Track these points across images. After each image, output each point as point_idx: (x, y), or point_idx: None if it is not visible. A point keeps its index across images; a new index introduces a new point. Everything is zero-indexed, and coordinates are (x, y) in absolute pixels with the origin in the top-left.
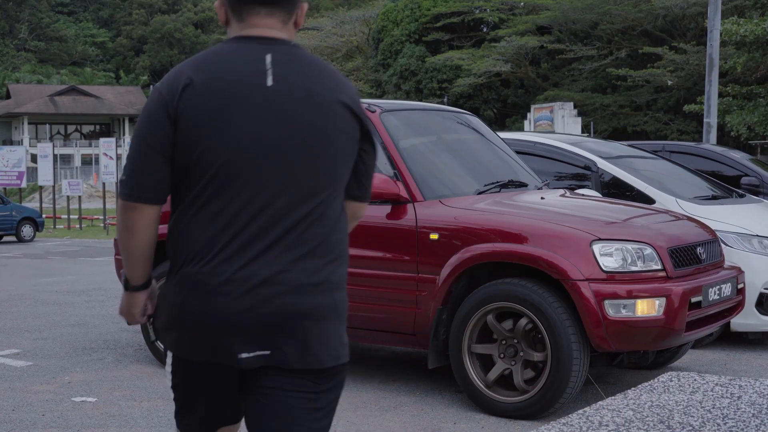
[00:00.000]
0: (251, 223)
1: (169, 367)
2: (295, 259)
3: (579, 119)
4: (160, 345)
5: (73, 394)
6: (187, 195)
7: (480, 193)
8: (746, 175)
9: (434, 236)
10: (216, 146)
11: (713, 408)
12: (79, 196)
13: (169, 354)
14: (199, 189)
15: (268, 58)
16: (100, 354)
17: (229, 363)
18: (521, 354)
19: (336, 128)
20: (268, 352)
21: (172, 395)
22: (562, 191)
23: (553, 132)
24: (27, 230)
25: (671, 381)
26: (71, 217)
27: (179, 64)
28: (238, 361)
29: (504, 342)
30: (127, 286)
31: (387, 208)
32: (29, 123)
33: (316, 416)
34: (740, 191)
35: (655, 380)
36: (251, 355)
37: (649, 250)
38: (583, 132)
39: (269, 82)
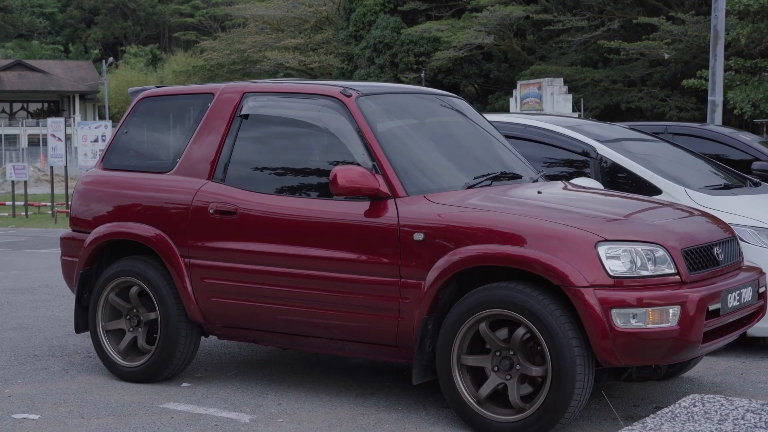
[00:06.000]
0: None
1: None
2: None
3: (569, 96)
4: (110, 352)
5: (14, 410)
6: None
7: (470, 187)
8: (757, 159)
9: (419, 236)
10: None
11: None
12: (25, 182)
13: None
14: None
15: None
16: (45, 362)
17: None
18: (517, 367)
19: None
20: None
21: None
22: (561, 184)
23: (542, 111)
24: None
25: (695, 407)
26: (16, 203)
27: None
28: None
29: (498, 353)
30: None
31: (365, 205)
32: None
33: None
34: (755, 179)
35: (677, 405)
36: None
37: (661, 252)
38: (573, 110)
39: None
